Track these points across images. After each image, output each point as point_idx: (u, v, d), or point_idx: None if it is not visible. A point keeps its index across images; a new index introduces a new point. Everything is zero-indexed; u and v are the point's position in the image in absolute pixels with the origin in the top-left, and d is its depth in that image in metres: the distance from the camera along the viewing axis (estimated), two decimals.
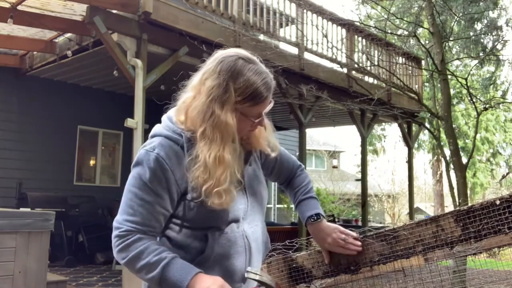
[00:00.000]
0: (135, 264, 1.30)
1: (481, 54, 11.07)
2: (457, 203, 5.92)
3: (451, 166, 6.50)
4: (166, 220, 1.38)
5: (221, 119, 1.31)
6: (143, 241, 1.30)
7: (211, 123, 1.32)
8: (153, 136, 1.40)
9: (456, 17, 9.55)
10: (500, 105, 11.59)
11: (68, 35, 6.71)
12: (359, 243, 1.63)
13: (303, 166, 1.78)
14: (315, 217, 1.61)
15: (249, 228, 1.44)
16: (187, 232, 1.37)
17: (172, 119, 1.41)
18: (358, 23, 8.57)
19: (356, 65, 7.87)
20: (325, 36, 7.42)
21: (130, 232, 1.31)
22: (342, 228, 1.66)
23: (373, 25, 9.30)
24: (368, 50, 8.94)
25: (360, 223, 9.97)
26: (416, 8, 11.23)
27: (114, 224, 1.34)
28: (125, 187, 1.36)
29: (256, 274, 1.34)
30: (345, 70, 8.12)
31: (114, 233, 1.33)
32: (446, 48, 8.58)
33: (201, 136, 1.33)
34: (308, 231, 1.65)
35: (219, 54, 1.39)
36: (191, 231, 1.37)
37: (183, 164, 1.33)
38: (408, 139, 10.42)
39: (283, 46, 7.81)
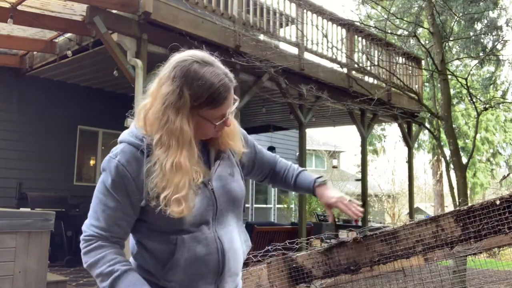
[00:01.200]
0: (92, 270, 1.35)
1: (481, 54, 11.07)
2: (457, 203, 5.92)
3: (451, 166, 6.50)
4: (133, 225, 1.40)
5: (175, 125, 1.31)
6: (103, 249, 1.34)
7: (166, 130, 1.32)
8: (120, 142, 1.45)
9: (456, 17, 9.55)
10: (500, 105, 11.60)
11: (68, 35, 6.71)
12: (362, 209, 1.66)
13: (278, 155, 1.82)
14: (321, 180, 1.68)
15: (221, 229, 1.43)
16: (156, 236, 1.38)
17: (136, 124, 1.44)
18: (358, 23, 8.57)
19: (356, 65, 7.87)
20: (325, 36, 7.42)
21: (92, 238, 1.35)
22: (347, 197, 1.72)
23: (373, 25, 9.30)
24: (368, 50, 8.94)
25: (360, 223, 9.97)
26: (416, 8, 11.24)
27: (82, 227, 1.39)
28: (94, 192, 1.41)
29: None
30: (345, 70, 8.13)
31: (81, 236, 1.38)
32: (446, 48, 8.58)
33: (157, 143, 1.33)
34: (316, 194, 1.69)
35: (174, 59, 1.38)
36: (161, 235, 1.38)
37: (143, 171, 1.34)
38: (408, 139, 10.42)
39: (283, 46, 7.81)
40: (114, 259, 1.33)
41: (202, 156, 1.41)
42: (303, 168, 1.76)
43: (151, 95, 1.38)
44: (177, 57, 1.37)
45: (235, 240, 1.47)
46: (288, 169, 1.74)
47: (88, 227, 1.37)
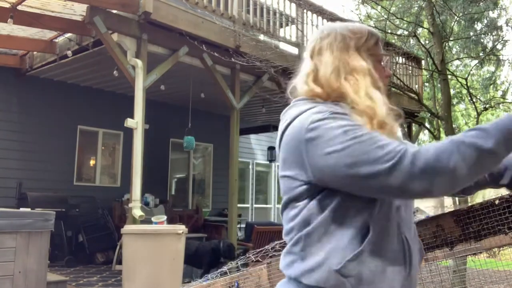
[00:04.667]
0: (439, 166, 0.99)
1: (481, 54, 11.06)
2: (457, 203, 5.93)
3: None
4: (321, 200, 1.14)
5: (353, 63, 1.23)
6: (417, 147, 1.05)
7: (347, 71, 1.22)
8: (303, 111, 1.19)
9: (456, 17, 9.55)
10: (500, 105, 11.60)
11: (68, 35, 6.71)
12: None
13: None
14: None
15: (404, 226, 1.18)
16: (347, 216, 1.12)
17: (303, 99, 1.27)
18: (358, 23, 8.56)
19: None
20: None
21: (397, 152, 1.02)
22: None
23: (373, 25, 9.30)
24: None
25: None
26: (416, 8, 11.23)
27: (376, 169, 1.03)
28: (333, 156, 1.07)
29: None
30: None
31: (387, 167, 1.02)
32: (446, 48, 8.58)
33: (342, 92, 1.22)
34: None
35: (316, 32, 1.36)
36: (353, 216, 1.12)
37: None
38: (408, 139, 10.40)
39: (283, 46, 7.81)
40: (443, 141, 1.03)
41: None
42: None
43: (311, 66, 1.29)
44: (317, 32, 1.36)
45: (415, 244, 1.22)
46: None
47: (388, 153, 1.03)
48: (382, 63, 1.31)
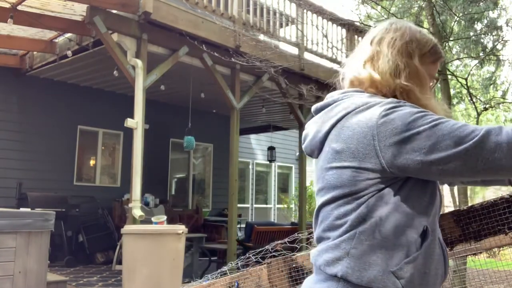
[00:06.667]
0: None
1: (481, 54, 11.06)
2: (457, 203, 5.93)
3: None
4: (380, 194, 1.09)
5: (417, 68, 1.19)
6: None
7: (405, 75, 1.17)
8: (354, 109, 1.14)
9: (456, 17, 9.55)
10: (500, 105, 11.60)
11: (68, 35, 6.71)
12: None
13: None
14: None
15: (439, 232, 1.20)
16: (407, 214, 1.08)
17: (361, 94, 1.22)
18: (358, 23, 8.57)
19: None
20: (325, 36, 7.43)
21: (480, 129, 1.01)
22: None
23: (373, 25, 9.29)
24: None
25: None
26: (416, 8, 11.23)
27: (462, 147, 1.00)
28: (414, 138, 1.04)
29: None
30: None
31: (475, 141, 1.00)
32: (446, 48, 8.58)
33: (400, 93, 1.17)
34: None
35: (385, 22, 1.29)
36: (412, 215, 1.08)
37: None
38: None
39: (283, 46, 7.81)
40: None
41: None
42: None
43: (370, 53, 1.24)
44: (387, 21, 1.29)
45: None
46: None
47: (473, 130, 1.01)
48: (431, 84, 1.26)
